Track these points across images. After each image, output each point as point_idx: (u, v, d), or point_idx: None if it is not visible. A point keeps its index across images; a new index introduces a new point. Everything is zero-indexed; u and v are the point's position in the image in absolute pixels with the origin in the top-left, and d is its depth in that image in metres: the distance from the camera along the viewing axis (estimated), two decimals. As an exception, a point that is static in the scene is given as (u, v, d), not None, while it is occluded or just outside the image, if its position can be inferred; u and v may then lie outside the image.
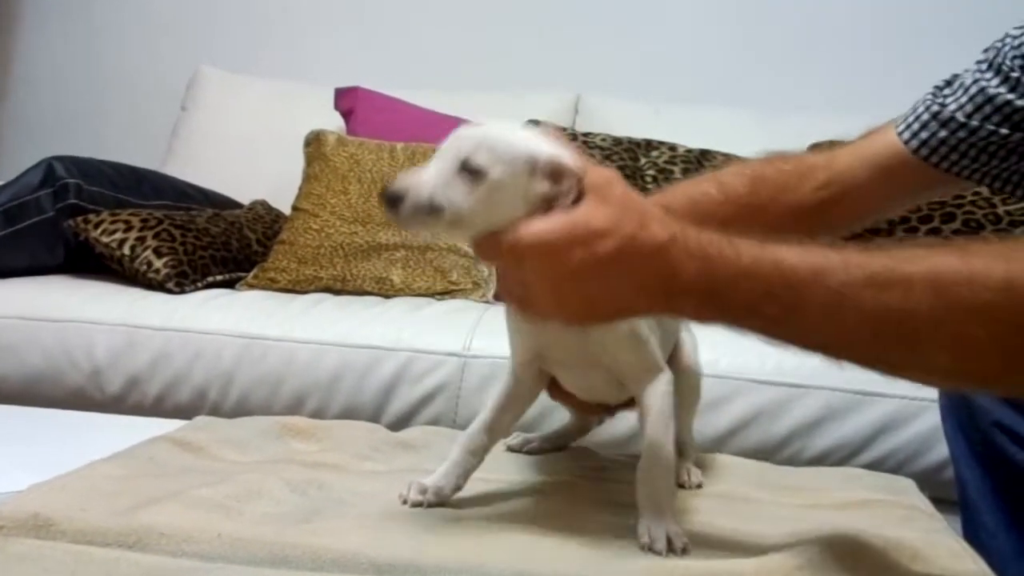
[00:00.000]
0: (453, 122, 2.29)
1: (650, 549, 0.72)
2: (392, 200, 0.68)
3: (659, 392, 0.80)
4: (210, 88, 2.39)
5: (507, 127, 0.73)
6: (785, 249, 0.63)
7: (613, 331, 0.77)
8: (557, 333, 0.78)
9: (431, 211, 0.68)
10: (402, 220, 0.69)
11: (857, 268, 0.61)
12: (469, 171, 0.68)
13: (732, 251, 0.64)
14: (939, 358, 0.61)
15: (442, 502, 0.81)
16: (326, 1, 2.56)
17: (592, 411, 0.94)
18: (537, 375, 0.85)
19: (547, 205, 0.67)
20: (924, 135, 0.90)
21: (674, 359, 0.93)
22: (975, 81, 0.88)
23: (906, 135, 0.91)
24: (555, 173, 0.68)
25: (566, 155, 0.69)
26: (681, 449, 0.98)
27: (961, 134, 0.88)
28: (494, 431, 0.84)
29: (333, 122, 2.13)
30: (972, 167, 0.89)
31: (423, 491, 0.81)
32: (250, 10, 2.59)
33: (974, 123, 0.87)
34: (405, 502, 0.80)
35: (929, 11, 2.25)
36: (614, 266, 0.64)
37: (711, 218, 0.73)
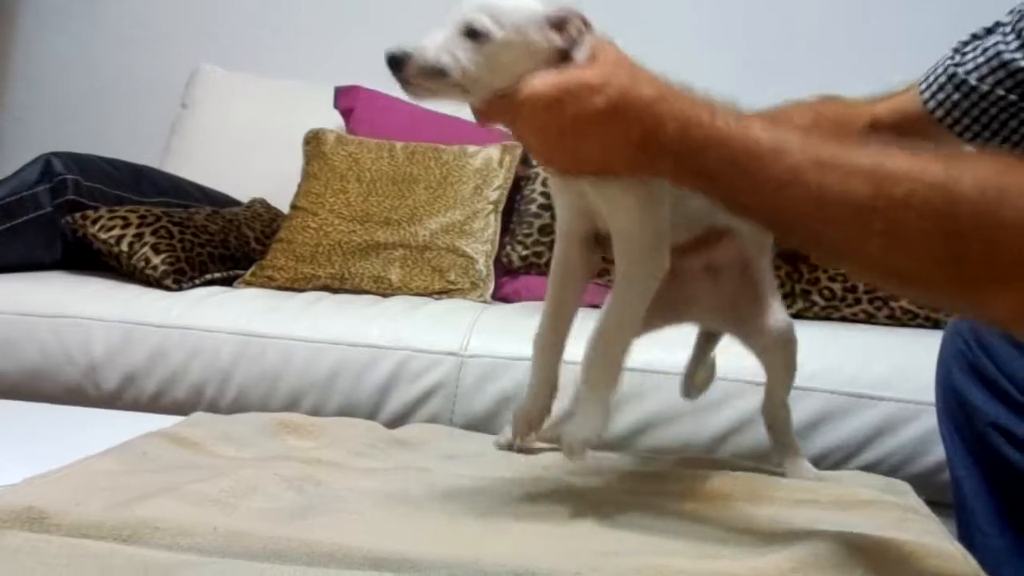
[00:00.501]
0: (453, 122, 2.26)
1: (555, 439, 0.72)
2: (395, 62, 0.69)
3: (642, 273, 0.76)
4: (210, 86, 2.39)
5: None
6: (757, 125, 0.66)
7: (624, 186, 0.73)
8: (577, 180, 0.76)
9: (436, 73, 0.70)
10: (407, 83, 0.70)
11: (811, 149, 0.64)
12: (472, 35, 0.70)
13: (709, 118, 0.67)
14: (872, 246, 0.63)
15: (532, 430, 0.85)
16: (326, 1, 2.56)
17: None
18: (581, 244, 0.82)
19: (559, 59, 0.69)
20: (940, 96, 0.94)
21: (757, 319, 0.90)
22: (995, 44, 0.90)
23: (926, 95, 0.95)
24: (559, 23, 0.70)
25: (566, 5, 0.71)
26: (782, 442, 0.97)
27: (973, 98, 0.91)
28: (560, 318, 0.83)
29: (333, 121, 2.13)
30: (982, 133, 0.92)
31: (514, 431, 0.84)
32: (250, 10, 2.59)
33: (984, 87, 0.90)
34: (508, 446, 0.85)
35: (930, 12, 2.25)
36: (604, 119, 0.67)
37: None
